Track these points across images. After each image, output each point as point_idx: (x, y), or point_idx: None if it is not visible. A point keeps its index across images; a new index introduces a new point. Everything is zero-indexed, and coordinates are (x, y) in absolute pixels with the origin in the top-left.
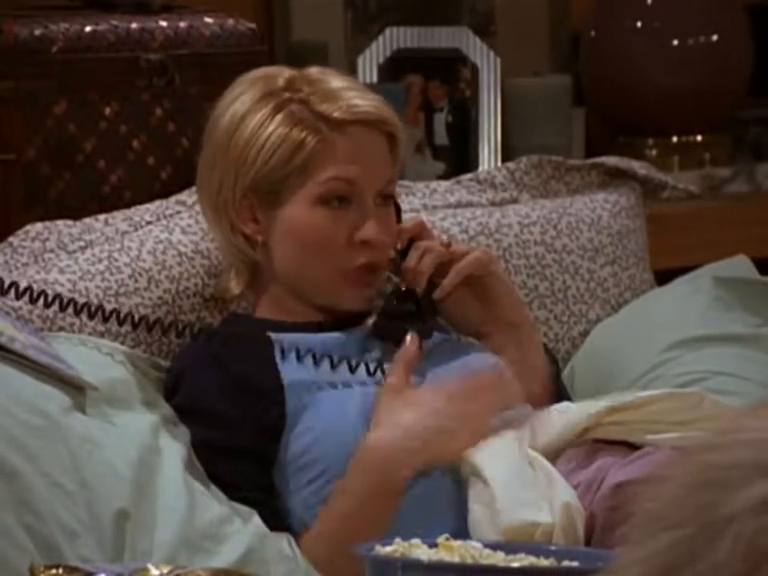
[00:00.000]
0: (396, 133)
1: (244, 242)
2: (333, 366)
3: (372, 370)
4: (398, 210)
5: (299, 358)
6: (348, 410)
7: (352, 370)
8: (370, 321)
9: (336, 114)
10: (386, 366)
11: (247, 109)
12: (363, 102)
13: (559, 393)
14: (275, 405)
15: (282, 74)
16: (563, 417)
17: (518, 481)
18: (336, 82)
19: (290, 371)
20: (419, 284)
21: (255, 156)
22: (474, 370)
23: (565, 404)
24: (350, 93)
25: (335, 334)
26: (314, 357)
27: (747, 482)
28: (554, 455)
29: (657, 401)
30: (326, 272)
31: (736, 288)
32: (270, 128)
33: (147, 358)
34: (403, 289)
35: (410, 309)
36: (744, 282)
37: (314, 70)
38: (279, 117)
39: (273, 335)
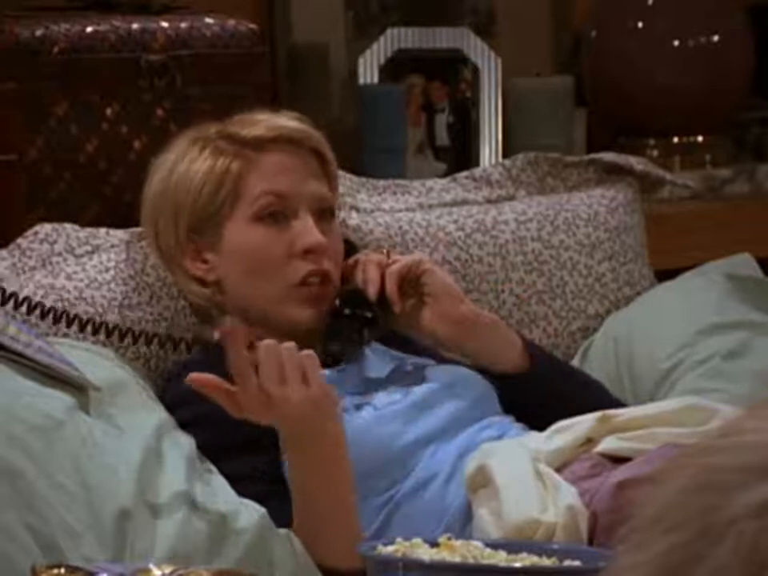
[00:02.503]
0: (322, 150)
1: (199, 286)
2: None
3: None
4: (351, 247)
5: None
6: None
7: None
8: (326, 321)
9: (256, 133)
10: (379, 395)
11: (177, 156)
12: (284, 122)
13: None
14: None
15: (215, 123)
16: (566, 427)
17: (523, 484)
18: (261, 115)
19: None
20: (371, 293)
21: (186, 195)
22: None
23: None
24: (272, 117)
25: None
26: None
27: (748, 485)
28: (558, 467)
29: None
30: (276, 290)
31: (746, 285)
32: (197, 165)
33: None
34: (359, 290)
35: (365, 314)
36: (753, 280)
37: (240, 115)
38: (205, 153)
39: None
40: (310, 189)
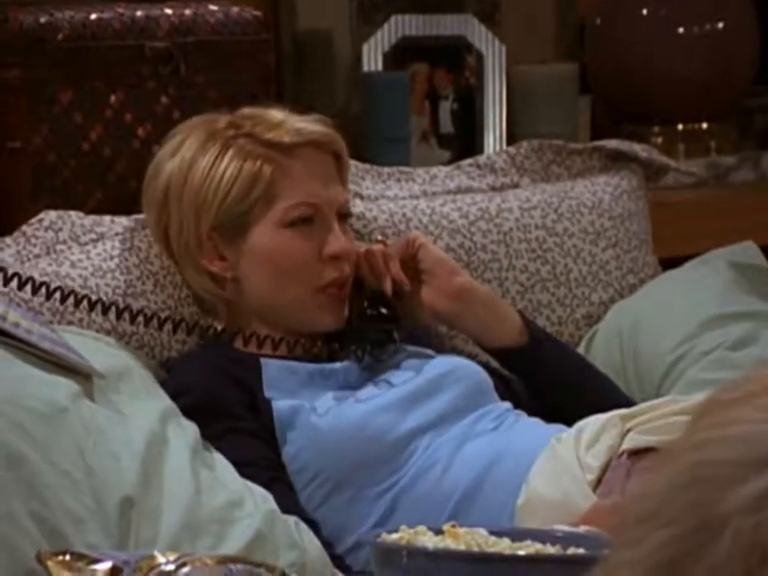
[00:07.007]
0: (342, 153)
1: (211, 281)
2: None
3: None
4: None
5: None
6: (336, 414)
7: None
8: (354, 324)
9: (286, 139)
10: (375, 384)
11: (195, 151)
12: (307, 125)
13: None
14: (264, 414)
15: (221, 117)
16: (592, 439)
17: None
18: (274, 113)
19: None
20: (385, 286)
21: (213, 195)
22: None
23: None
24: (292, 119)
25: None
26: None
27: (739, 480)
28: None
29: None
30: (301, 293)
31: (749, 273)
32: (223, 165)
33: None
34: (382, 292)
35: (382, 312)
36: (756, 268)
37: (248, 110)
38: (229, 153)
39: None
40: (335, 195)
